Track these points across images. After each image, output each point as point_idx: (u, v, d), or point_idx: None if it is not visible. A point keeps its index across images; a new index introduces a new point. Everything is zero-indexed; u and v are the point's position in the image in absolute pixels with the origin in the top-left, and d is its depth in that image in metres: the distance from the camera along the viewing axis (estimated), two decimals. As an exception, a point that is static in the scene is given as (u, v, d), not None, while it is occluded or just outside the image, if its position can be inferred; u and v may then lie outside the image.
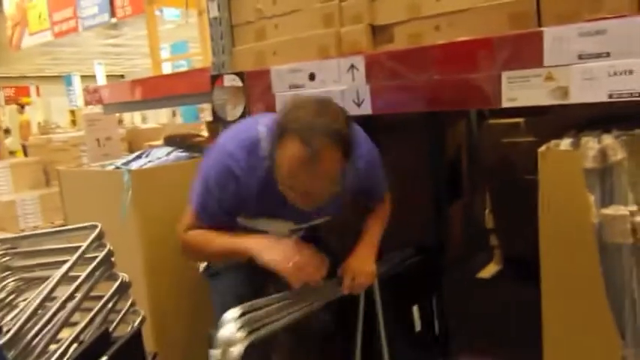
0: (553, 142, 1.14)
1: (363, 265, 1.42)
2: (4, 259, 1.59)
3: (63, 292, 1.33)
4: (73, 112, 14.31)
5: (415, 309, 1.71)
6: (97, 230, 1.46)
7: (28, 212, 5.05)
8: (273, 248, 1.28)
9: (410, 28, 1.40)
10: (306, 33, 1.57)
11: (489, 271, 3.02)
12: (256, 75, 1.64)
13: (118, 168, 2.08)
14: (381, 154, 2.71)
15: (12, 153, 9.24)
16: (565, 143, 1.13)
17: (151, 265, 1.91)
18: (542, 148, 1.12)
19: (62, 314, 1.26)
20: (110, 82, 13.53)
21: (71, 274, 1.36)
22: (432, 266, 1.81)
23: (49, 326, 1.23)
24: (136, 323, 1.49)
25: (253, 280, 1.48)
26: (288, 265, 1.25)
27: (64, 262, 1.39)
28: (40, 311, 1.25)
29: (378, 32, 1.45)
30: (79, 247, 1.43)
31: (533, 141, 2.51)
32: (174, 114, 11.51)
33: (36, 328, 1.19)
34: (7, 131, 11.45)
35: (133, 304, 1.51)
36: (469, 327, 2.18)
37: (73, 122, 13.57)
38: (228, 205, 1.34)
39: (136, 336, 1.41)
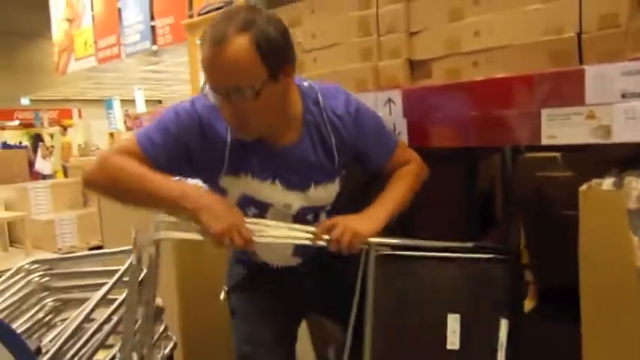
0: (595, 181, 1.12)
1: (355, 222, 1.20)
2: (44, 280, 1.64)
3: (100, 315, 1.36)
4: (112, 135, 14.75)
5: (453, 319, 1.31)
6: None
7: (65, 232, 5.19)
8: (212, 211, 1.09)
9: (448, 63, 1.41)
10: (345, 66, 1.60)
11: (526, 306, 2.94)
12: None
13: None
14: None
15: (55, 172, 9.54)
16: (607, 182, 1.10)
17: (184, 292, 1.93)
18: (584, 187, 1.10)
19: (99, 336, 1.29)
20: (149, 108, 13.93)
21: (108, 297, 1.39)
22: (501, 273, 1.32)
23: (86, 348, 1.27)
24: (168, 349, 1.51)
25: (275, 321, 1.36)
26: (220, 229, 1.08)
27: (101, 284, 1.43)
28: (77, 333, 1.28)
29: (416, 67, 1.47)
30: (117, 270, 1.46)
31: (571, 176, 2.47)
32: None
33: (74, 349, 1.22)
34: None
35: (166, 329, 1.53)
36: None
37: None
38: (193, 149, 1.18)
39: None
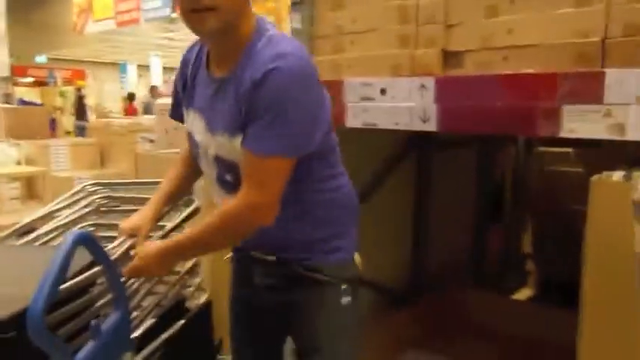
0: (605, 173, 1.24)
1: (142, 261, 1.19)
2: (104, 202, 1.75)
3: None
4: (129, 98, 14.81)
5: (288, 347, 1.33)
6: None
7: (83, 190, 5.31)
8: None
9: (480, 56, 1.52)
10: (381, 51, 1.70)
11: (524, 294, 3.08)
12: (329, 84, 1.75)
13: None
14: (433, 169, 2.76)
15: (68, 133, 9.67)
16: (617, 175, 1.22)
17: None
18: (595, 178, 1.22)
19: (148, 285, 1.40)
20: (165, 75, 13.93)
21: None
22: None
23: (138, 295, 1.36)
24: (203, 299, 1.65)
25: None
26: None
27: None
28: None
29: (450, 57, 1.58)
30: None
31: (581, 172, 2.58)
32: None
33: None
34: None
35: (202, 282, 1.67)
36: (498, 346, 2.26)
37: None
38: (178, 83, 1.28)
39: (205, 309, 1.56)
